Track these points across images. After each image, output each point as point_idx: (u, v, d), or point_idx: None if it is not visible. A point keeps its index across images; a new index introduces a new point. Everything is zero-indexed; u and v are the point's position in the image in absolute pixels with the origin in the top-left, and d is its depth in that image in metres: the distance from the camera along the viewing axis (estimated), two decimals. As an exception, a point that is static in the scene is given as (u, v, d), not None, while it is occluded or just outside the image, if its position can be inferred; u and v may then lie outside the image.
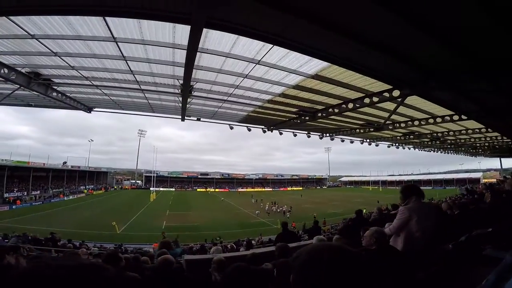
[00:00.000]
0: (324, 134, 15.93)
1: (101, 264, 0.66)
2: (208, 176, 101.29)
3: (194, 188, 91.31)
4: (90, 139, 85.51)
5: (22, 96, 10.32)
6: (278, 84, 7.85)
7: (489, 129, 12.80)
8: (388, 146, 20.15)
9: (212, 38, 5.45)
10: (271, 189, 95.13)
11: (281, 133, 14.41)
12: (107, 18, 4.84)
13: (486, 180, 54.16)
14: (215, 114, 12.14)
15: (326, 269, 0.76)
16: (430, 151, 25.20)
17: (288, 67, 6.70)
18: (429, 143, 18.89)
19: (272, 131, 14.12)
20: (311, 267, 0.79)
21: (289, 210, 37.33)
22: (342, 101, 8.90)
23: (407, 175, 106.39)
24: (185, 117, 11.96)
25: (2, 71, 6.88)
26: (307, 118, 10.72)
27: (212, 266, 3.41)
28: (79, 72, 7.73)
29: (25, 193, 47.06)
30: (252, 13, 3.76)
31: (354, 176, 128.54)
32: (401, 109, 9.23)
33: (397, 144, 20.14)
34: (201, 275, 3.77)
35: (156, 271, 3.36)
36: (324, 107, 9.72)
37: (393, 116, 9.93)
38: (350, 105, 8.72)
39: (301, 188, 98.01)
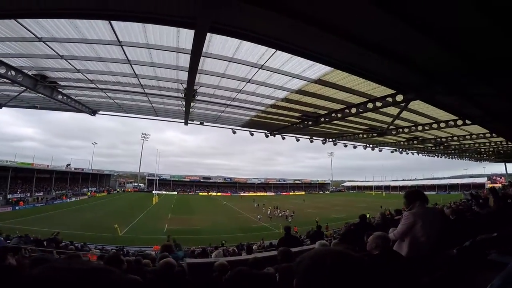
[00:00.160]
0: (327, 139, 15.90)
1: (109, 267, 0.68)
2: (211, 180, 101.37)
3: (196, 192, 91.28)
4: (94, 142, 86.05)
5: (28, 98, 10.45)
6: (281, 89, 7.87)
7: (493, 134, 12.69)
8: (392, 152, 20.05)
9: (215, 42, 5.50)
10: (273, 194, 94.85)
11: (283, 138, 14.41)
12: (113, 22, 4.90)
13: (491, 185, 53.54)
14: (218, 118, 12.18)
15: (329, 274, 0.76)
16: (434, 156, 25.02)
17: (291, 72, 6.72)
18: (433, 148, 18.75)
19: (274, 136, 14.13)
20: (314, 272, 0.79)
21: (291, 214, 37.14)
22: (345, 106, 8.89)
23: (410, 180, 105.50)
24: (188, 121, 12.02)
25: (9, 73, 6.97)
26: (310, 123, 10.72)
27: (215, 270, 3.41)
28: (84, 75, 7.81)
29: (28, 194, 47.31)
30: (255, 17, 3.79)
31: (357, 181, 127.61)
32: (405, 114, 9.20)
33: (400, 149, 20.03)
34: (203, 279, 3.76)
35: (157, 274, 3.35)
36: (327, 112, 9.72)
37: (397, 121, 9.89)
38: (353, 110, 8.71)
39: (303, 193, 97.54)
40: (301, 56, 5.08)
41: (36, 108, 12.13)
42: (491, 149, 19.97)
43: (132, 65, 6.87)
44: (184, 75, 6.93)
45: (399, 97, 7.01)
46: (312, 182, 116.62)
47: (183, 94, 8.33)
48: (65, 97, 9.67)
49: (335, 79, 6.98)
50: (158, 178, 70.16)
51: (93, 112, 12.18)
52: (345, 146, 17.03)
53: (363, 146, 18.08)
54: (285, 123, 11.93)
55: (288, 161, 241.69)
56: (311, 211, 44.10)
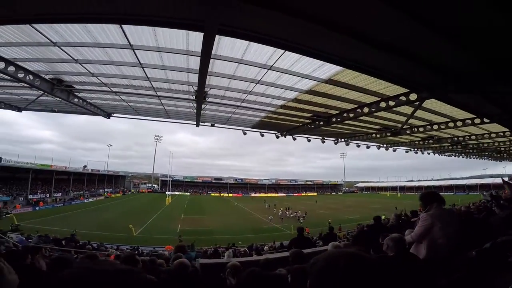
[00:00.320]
0: (339, 140, 15.68)
1: (134, 268, 0.72)
2: (222, 181, 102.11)
3: (208, 192, 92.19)
4: (109, 144, 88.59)
5: (45, 102, 10.87)
6: (291, 90, 7.84)
7: (514, 133, 12.15)
8: (406, 151, 19.53)
9: (224, 44, 5.55)
10: (284, 195, 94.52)
11: (294, 139, 14.31)
12: (124, 26, 5.01)
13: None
14: (228, 119, 12.26)
15: (342, 276, 0.76)
16: (451, 156, 24.19)
17: (301, 72, 6.68)
18: (450, 147, 18.12)
19: (285, 137, 14.06)
20: (327, 273, 0.79)
21: (303, 216, 36.84)
22: (357, 106, 8.75)
23: (426, 180, 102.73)
24: (200, 123, 12.15)
25: (27, 77, 7.23)
26: (321, 123, 10.61)
27: (227, 271, 3.43)
28: (98, 79, 8.04)
29: (48, 195, 49.19)
30: (262, 19, 3.79)
31: (370, 181, 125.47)
32: (419, 113, 8.95)
33: (415, 149, 19.48)
34: (215, 279, 3.79)
35: (171, 274, 3.40)
36: (338, 111, 9.59)
37: (411, 120, 9.64)
38: (366, 110, 8.55)
39: (315, 194, 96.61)
40: (311, 56, 5.04)
41: (53, 111, 12.59)
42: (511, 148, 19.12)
43: (144, 68, 7.02)
44: (194, 77, 7.02)
45: (413, 96, 6.82)
46: (324, 183, 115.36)
47: (194, 96, 8.44)
48: (81, 101, 9.99)
49: (346, 79, 6.89)
50: (171, 179, 71.39)
51: (107, 115, 12.53)
52: (358, 146, 16.73)
53: (376, 146, 17.72)
54: (295, 123, 11.86)
55: (299, 162, 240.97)
56: (323, 212, 43.59)
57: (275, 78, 7.18)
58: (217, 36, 4.47)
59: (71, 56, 6.47)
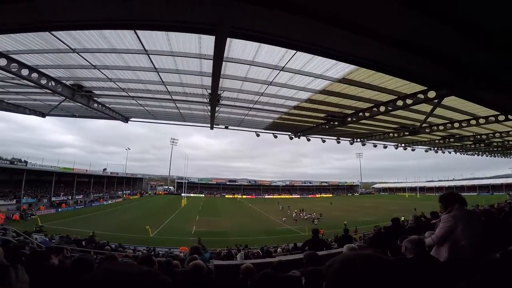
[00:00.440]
0: (355, 140, 15.37)
1: (156, 270, 0.75)
2: (236, 183, 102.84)
3: (222, 194, 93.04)
4: (127, 148, 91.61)
5: (67, 107, 11.35)
6: (304, 90, 7.76)
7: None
8: (426, 151, 18.87)
9: (235, 47, 5.58)
10: (298, 196, 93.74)
11: (308, 140, 14.15)
12: (138, 32, 5.14)
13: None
14: (242, 121, 12.31)
15: (359, 278, 0.75)
16: (474, 155, 23.11)
17: (314, 72, 6.59)
18: (472, 146, 17.31)
19: (299, 138, 13.93)
20: (344, 276, 0.78)
21: (318, 217, 36.37)
22: (373, 105, 8.53)
23: (448, 180, 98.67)
24: (214, 126, 12.28)
25: (50, 83, 7.56)
26: (336, 123, 10.42)
27: (242, 272, 3.44)
28: (116, 84, 8.30)
29: (70, 197, 51.27)
30: (275, 21, 3.79)
31: (388, 182, 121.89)
32: (439, 111, 8.62)
33: (435, 148, 18.77)
34: (229, 280, 3.81)
35: (187, 276, 3.45)
36: (353, 111, 9.40)
37: (430, 119, 9.29)
38: (382, 108, 8.32)
39: (330, 195, 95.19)
40: (324, 56, 4.98)
41: (75, 116, 13.14)
42: (541, 146, 18.01)
43: (159, 73, 7.17)
44: (208, 81, 7.11)
45: (431, 94, 6.56)
46: (340, 184, 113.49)
47: (208, 99, 8.54)
48: (100, 106, 10.35)
49: (360, 78, 6.74)
50: (186, 181, 72.64)
51: (125, 119, 12.91)
52: (375, 146, 16.32)
53: (394, 145, 17.22)
54: (309, 124, 11.74)
55: (313, 163, 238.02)
56: (339, 213, 42.83)
57: (288, 79, 7.14)
58: (228, 39, 4.50)
59: (89, 62, 6.70)
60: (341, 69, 6.28)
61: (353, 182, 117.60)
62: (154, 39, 5.48)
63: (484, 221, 4.29)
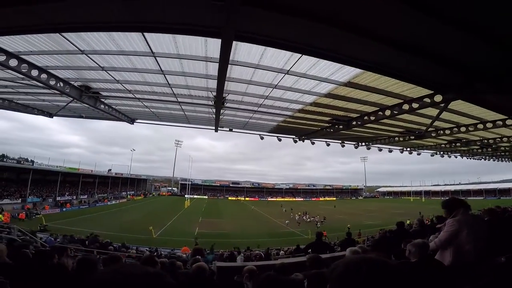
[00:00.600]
0: (360, 143, 15.28)
1: (161, 272, 0.75)
2: (239, 185, 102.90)
3: (225, 196, 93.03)
4: (132, 149, 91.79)
5: (74, 108, 11.50)
6: (309, 93, 7.76)
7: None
8: (432, 155, 18.69)
9: (241, 50, 5.62)
10: (302, 199, 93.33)
11: (313, 143, 14.10)
12: (146, 34, 5.21)
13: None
14: (246, 124, 12.34)
15: (363, 281, 0.75)
16: (481, 159, 22.81)
17: (319, 76, 6.60)
18: (479, 150, 17.10)
19: (303, 141, 13.90)
20: (348, 279, 0.79)
21: (321, 220, 36.14)
22: (378, 108, 8.50)
23: (454, 184, 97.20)
24: (218, 128, 12.32)
25: (58, 84, 7.65)
26: (341, 127, 10.39)
27: (245, 275, 3.43)
28: (123, 86, 8.39)
29: (74, 197, 51.65)
30: (278, 23, 3.81)
31: (393, 186, 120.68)
32: (445, 115, 8.55)
33: (441, 152, 18.58)
34: (231, 282, 3.81)
35: (190, 277, 3.46)
36: (359, 115, 9.37)
37: (436, 123, 9.21)
38: (387, 112, 8.28)
39: (334, 199, 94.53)
40: (329, 59, 4.99)
41: (82, 117, 13.30)
42: (549, 151, 17.70)
43: (165, 75, 7.25)
44: (213, 83, 7.15)
45: (438, 98, 6.50)
46: (344, 188, 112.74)
47: (213, 102, 8.59)
48: (107, 107, 10.46)
49: (366, 81, 6.72)
50: (190, 182, 72.89)
51: (131, 121, 13.03)
52: (380, 150, 16.22)
53: (399, 149, 17.08)
54: (314, 127, 11.71)
55: (317, 166, 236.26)
56: (342, 217, 42.53)
57: (293, 82, 7.16)
58: (234, 42, 4.54)
59: (97, 64, 6.80)
60: (346, 72, 6.27)
61: (358, 186, 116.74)
62: (161, 41, 5.54)
63: (488, 220, 4.25)
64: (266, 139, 13.71)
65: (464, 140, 13.96)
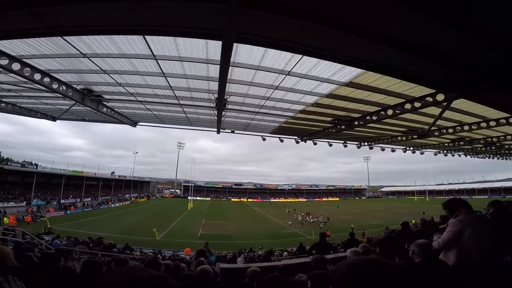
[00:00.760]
0: (362, 143, 15.23)
1: (166, 275, 0.76)
2: (242, 187, 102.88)
3: (228, 198, 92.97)
4: (135, 151, 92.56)
5: (77, 111, 11.57)
6: (311, 94, 7.76)
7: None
8: (435, 154, 18.56)
9: (242, 52, 5.63)
10: (305, 200, 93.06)
11: (315, 144, 14.08)
12: (147, 37, 5.22)
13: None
14: (248, 126, 12.35)
15: (366, 282, 0.76)
16: (485, 158, 22.64)
17: (320, 76, 6.59)
18: (483, 149, 16.97)
19: (305, 142, 13.88)
20: (351, 280, 0.79)
21: (325, 221, 36.03)
22: (380, 108, 8.47)
23: (458, 183, 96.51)
24: (220, 130, 12.34)
25: (61, 88, 7.71)
26: (343, 127, 10.36)
27: (248, 276, 3.43)
28: (125, 89, 8.43)
29: (78, 200, 51.89)
30: (279, 25, 3.82)
31: (397, 186, 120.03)
32: (448, 114, 8.50)
33: (445, 151, 18.46)
34: (234, 283, 3.81)
35: (194, 280, 3.46)
36: (361, 115, 9.34)
37: (439, 122, 9.16)
38: (390, 112, 8.26)
39: (337, 199, 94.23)
40: (330, 60, 4.99)
41: (84, 120, 13.38)
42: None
43: (167, 78, 7.27)
44: (214, 85, 7.17)
45: (440, 97, 6.48)
46: (347, 188, 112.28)
47: (214, 104, 8.61)
48: (109, 110, 10.52)
49: (367, 81, 6.71)
50: (193, 184, 72.99)
51: (134, 123, 13.09)
52: (383, 149, 16.14)
53: (402, 149, 17.01)
54: (316, 128, 11.70)
55: (320, 167, 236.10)
56: (346, 217, 42.39)
57: (294, 83, 7.16)
58: (234, 44, 4.55)
59: (99, 67, 6.83)
60: (348, 72, 6.27)
61: (361, 186, 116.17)
62: (162, 44, 5.57)
63: (493, 215, 4.20)
64: (268, 140, 13.75)
65: (468, 139, 13.86)
